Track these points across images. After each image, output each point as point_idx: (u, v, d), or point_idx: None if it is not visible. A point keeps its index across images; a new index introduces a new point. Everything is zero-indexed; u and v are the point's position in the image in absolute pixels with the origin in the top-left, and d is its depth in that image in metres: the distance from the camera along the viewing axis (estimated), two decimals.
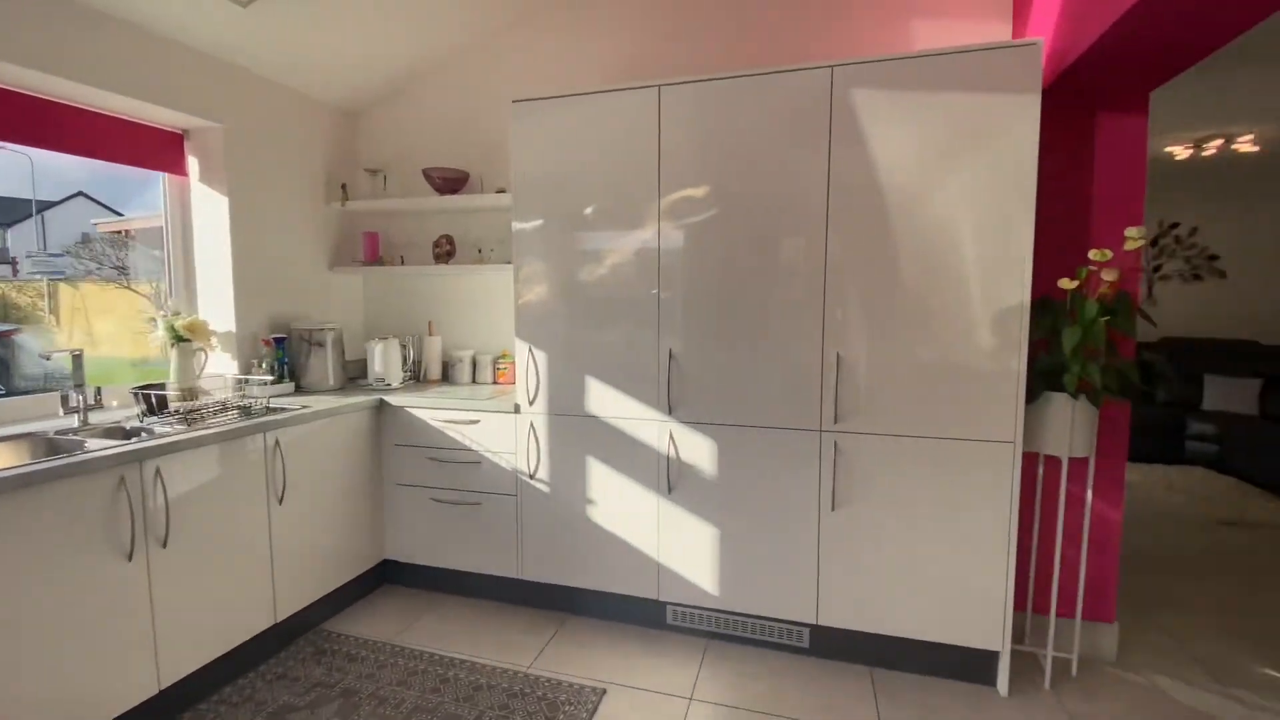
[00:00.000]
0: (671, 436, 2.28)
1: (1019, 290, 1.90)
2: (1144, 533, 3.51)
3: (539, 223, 2.40)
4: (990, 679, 2.08)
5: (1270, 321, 5.46)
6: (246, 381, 2.50)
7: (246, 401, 2.35)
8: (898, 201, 1.99)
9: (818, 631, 2.24)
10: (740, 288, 2.18)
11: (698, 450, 2.26)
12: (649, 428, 2.31)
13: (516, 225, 2.43)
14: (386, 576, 2.81)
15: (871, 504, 2.09)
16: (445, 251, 2.98)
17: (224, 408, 2.28)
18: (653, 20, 2.71)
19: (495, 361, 2.98)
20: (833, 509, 2.13)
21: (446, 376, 3.09)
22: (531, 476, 2.48)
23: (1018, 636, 2.27)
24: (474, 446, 2.55)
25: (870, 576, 2.12)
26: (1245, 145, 4.32)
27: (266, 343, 2.71)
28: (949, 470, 2.01)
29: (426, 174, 2.91)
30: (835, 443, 2.11)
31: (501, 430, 2.51)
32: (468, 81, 3.01)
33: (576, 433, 2.41)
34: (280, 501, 2.21)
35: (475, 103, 2.99)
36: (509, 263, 2.65)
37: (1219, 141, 4.30)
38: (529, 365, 2.45)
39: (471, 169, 2.98)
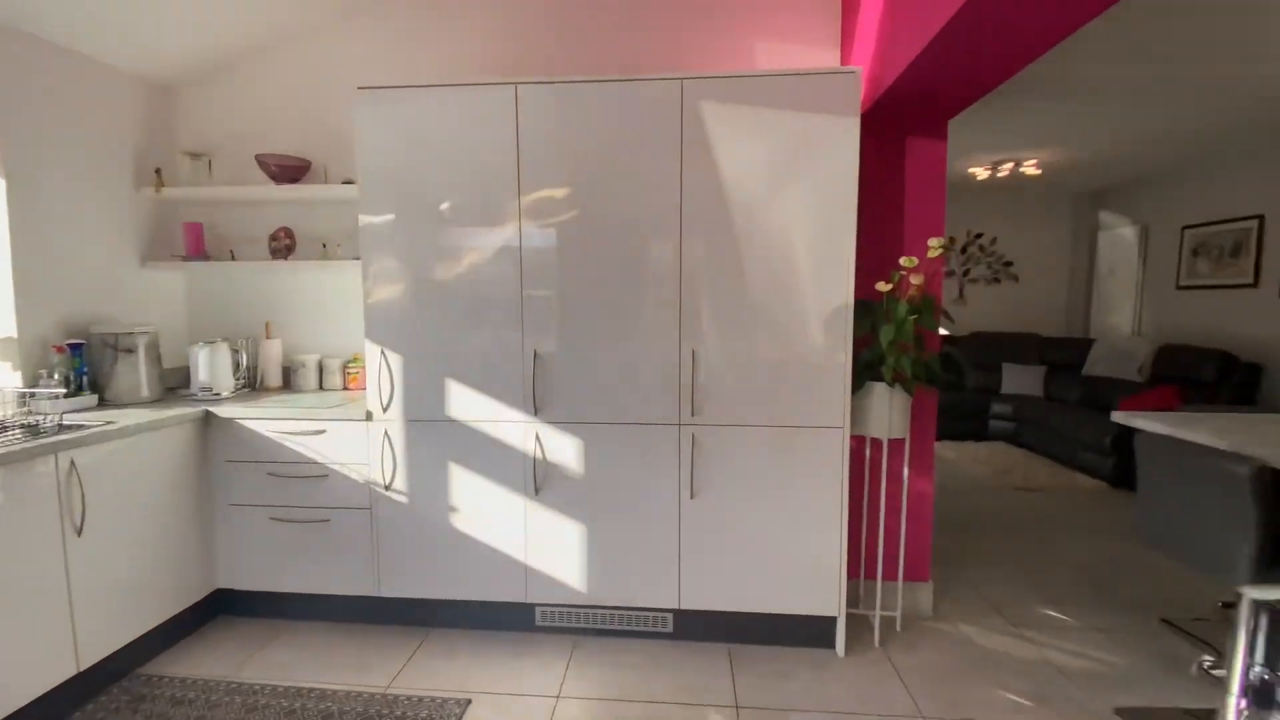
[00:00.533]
0: (538, 437, 2.28)
1: (844, 292, 2.12)
2: (955, 501, 4.06)
3: (390, 217, 2.28)
4: (830, 642, 2.30)
5: (1051, 317, 6.54)
6: (32, 395, 2.14)
7: (32, 419, 2.01)
8: (743, 209, 2.14)
9: (680, 616, 2.35)
10: (604, 288, 2.22)
11: (565, 450, 2.28)
12: (515, 429, 2.29)
13: (365, 219, 2.30)
14: (222, 607, 2.53)
15: (725, 490, 2.23)
16: (284, 246, 2.74)
17: (1, 427, 1.93)
18: (511, 20, 2.67)
19: (345, 366, 2.79)
20: (691, 497, 2.24)
21: (289, 383, 2.84)
22: (387, 487, 2.35)
23: (852, 601, 2.53)
24: (320, 459, 2.37)
25: (725, 558, 2.26)
26: (1030, 169, 5.12)
27: (59, 349, 2.33)
28: (790, 455, 2.19)
29: (261, 160, 2.65)
30: (693, 435, 2.22)
31: (352, 440, 2.36)
32: (310, 63, 2.78)
33: (437, 438, 2.32)
34: (79, 533, 1.91)
35: (319, 86, 2.77)
36: (358, 259, 2.49)
37: (1010, 165, 5.05)
38: (382, 369, 2.32)
39: (314, 157, 2.76)
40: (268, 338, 2.81)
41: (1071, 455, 4.79)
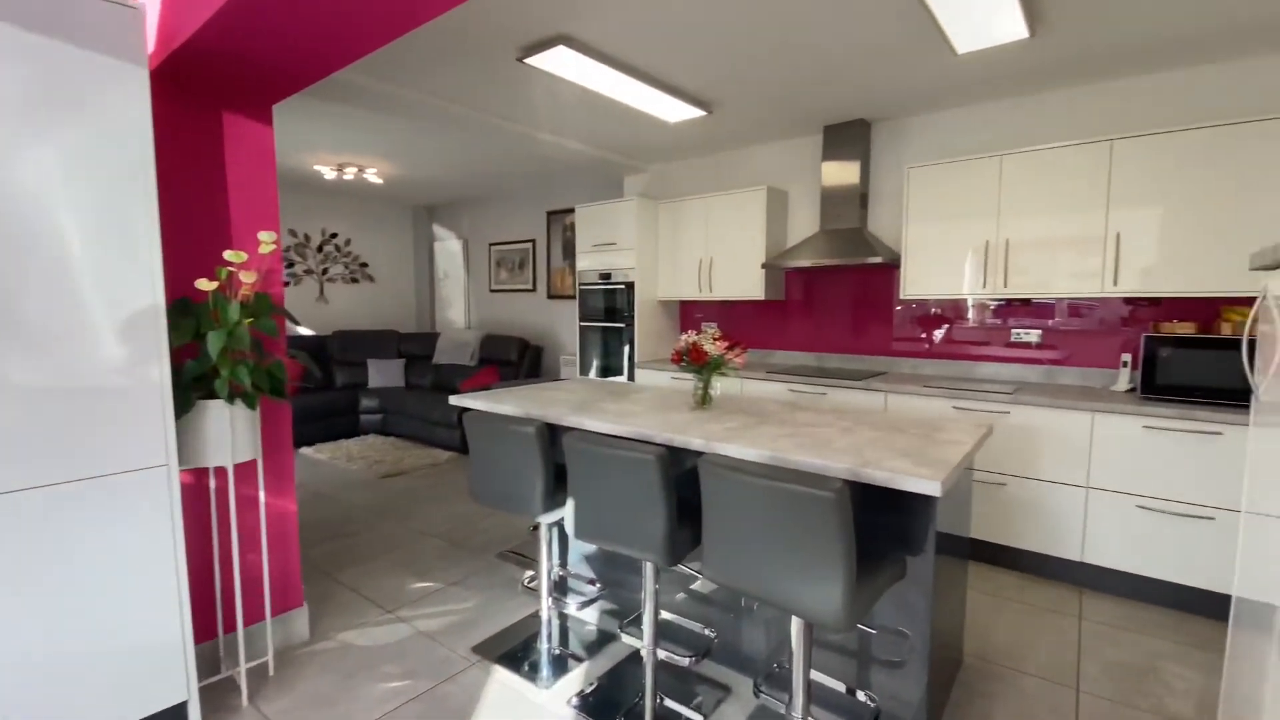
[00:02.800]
0: None
1: (150, 291, 1.64)
2: (329, 505, 3.99)
3: None
4: None
5: (405, 314, 7.29)
6: None
7: None
8: None
9: None
10: None
11: None
12: None
13: None
14: None
15: None
16: None
17: None
18: None
19: None
20: None
21: None
22: None
23: (214, 667, 2.08)
24: None
25: None
26: (373, 176, 5.45)
27: None
28: (85, 520, 1.57)
29: None
30: None
31: None
32: None
33: None
34: None
35: None
36: None
37: (355, 169, 5.24)
38: None
39: None
40: None
41: (430, 435, 5.47)
